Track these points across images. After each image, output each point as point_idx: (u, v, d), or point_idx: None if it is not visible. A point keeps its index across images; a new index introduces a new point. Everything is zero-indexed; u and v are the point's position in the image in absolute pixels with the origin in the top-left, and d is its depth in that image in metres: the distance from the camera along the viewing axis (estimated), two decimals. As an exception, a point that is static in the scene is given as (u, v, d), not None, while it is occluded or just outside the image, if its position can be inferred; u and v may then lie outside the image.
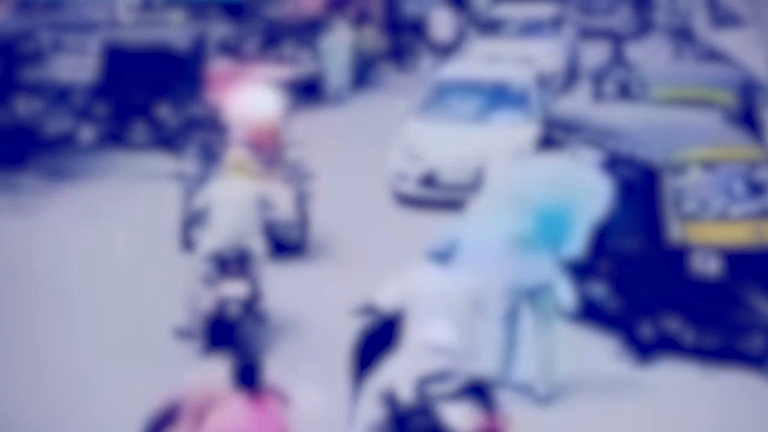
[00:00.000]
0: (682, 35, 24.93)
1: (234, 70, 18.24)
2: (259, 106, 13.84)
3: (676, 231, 10.87)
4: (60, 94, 18.73)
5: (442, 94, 17.65)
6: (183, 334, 11.03)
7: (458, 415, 7.96)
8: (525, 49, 22.90)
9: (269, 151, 13.43)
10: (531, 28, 25.36)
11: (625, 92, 16.73)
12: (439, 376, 8.04)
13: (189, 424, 7.25)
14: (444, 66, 20.20)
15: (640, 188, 11.22)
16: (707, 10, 24.57)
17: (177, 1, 24.05)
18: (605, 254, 11.30)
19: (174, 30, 20.82)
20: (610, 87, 18.69)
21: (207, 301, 10.69)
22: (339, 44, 24.16)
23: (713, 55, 21.07)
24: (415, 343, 8.12)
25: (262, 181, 11.74)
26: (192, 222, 11.70)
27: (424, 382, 8.02)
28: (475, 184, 13.86)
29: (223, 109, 16.03)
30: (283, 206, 12.69)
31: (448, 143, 16.54)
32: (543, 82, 19.24)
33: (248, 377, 7.15)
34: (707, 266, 10.74)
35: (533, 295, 10.07)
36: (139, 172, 17.85)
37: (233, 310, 10.65)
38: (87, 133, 18.40)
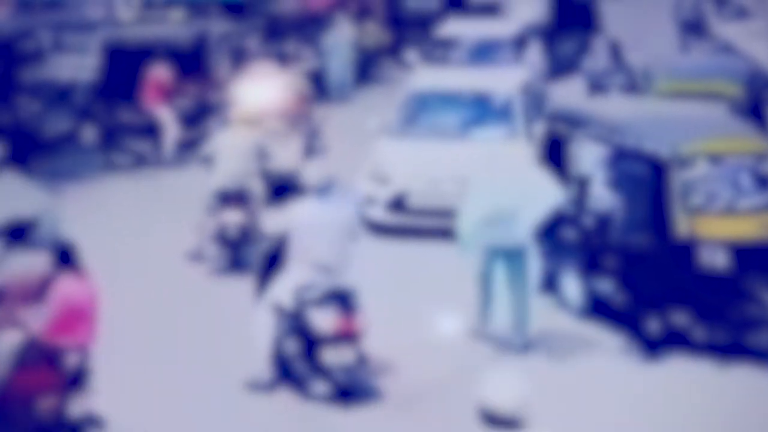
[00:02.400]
0: (690, 28, 24.72)
1: (171, 76, 18.08)
2: (292, 79, 17.19)
3: (683, 225, 10.78)
4: (60, 94, 18.66)
5: (415, 108, 15.85)
6: (194, 256, 13.47)
7: (321, 317, 9.79)
8: (476, 81, 16.88)
9: (295, 113, 16.33)
10: (486, 52, 20.61)
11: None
12: (310, 286, 9.88)
13: (14, 304, 9.13)
14: (416, 75, 17.77)
15: (646, 182, 11.13)
16: (714, 2, 24.44)
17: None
18: (612, 249, 11.22)
19: (175, 28, 20.73)
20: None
21: (210, 226, 13.23)
22: (341, 41, 24.08)
23: (720, 48, 20.92)
24: (298, 260, 9.97)
25: (279, 135, 14.92)
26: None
27: (298, 292, 9.89)
28: (450, 210, 12.49)
29: (157, 115, 16.82)
30: (291, 157, 15.33)
31: (420, 163, 14.84)
32: (530, 92, 16.55)
33: (67, 258, 9.07)
34: (715, 260, 10.65)
35: (507, 256, 11.00)
36: (141, 171, 17.83)
37: (231, 233, 13.10)
38: (88, 132, 18.33)
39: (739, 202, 11.00)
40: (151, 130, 18.00)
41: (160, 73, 18.10)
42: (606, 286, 11.42)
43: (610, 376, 10.61)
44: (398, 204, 14.62)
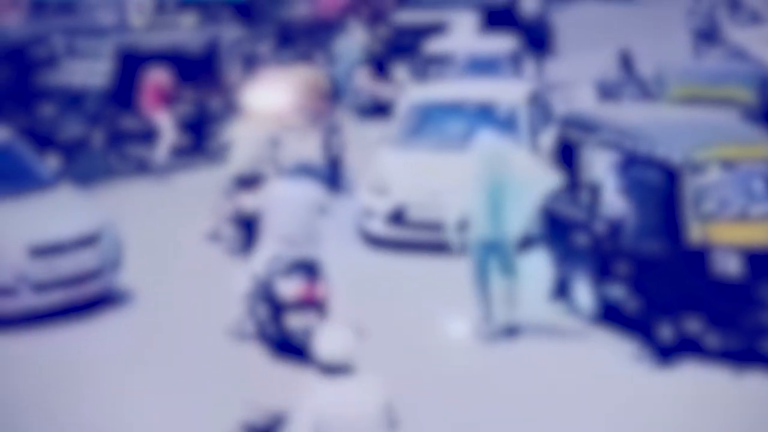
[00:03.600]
0: (703, 37, 24.58)
1: (171, 81, 18.07)
2: (311, 75, 17.78)
3: (695, 231, 10.74)
4: (73, 99, 18.67)
5: (418, 118, 15.38)
6: (212, 237, 14.39)
7: (287, 285, 10.88)
8: (481, 91, 16.35)
9: (316, 110, 17.00)
10: (483, 68, 19.24)
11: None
12: (278, 258, 10.98)
13: None
14: (420, 85, 17.55)
15: (658, 188, 11.09)
16: (728, 9, 24.33)
17: (189, 4, 23.98)
18: (624, 255, 11.18)
19: (188, 33, 20.77)
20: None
21: (227, 208, 14.12)
22: (353, 46, 24.05)
23: (733, 53, 20.82)
24: (270, 234, 11.15)
25: (297, 129, 15.96)
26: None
27: (269, 263, 11.02)
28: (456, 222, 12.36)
29: (155, 120, 16.94)
30: (308, 151, 15.97)
31: (421, 174, 14.34)
32: (537, 103, 15.88)
33: None
34: (728, 267, 10.60)
35: (497, 245, 11.47)
36: (147, 176, 17.84)
37: (247, 215, 13.41)
38: (98, 138, 18.36)
39: (752, 209, 10.95)
40: (151, 136, 18.01)
41: (158, 77, 18.05)
42: (618, 292, 11.38)
43: (622, 383, 10.56)
44: (397, 217, 14.18)
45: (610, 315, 11.56)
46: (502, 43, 20.48)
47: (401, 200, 14.15)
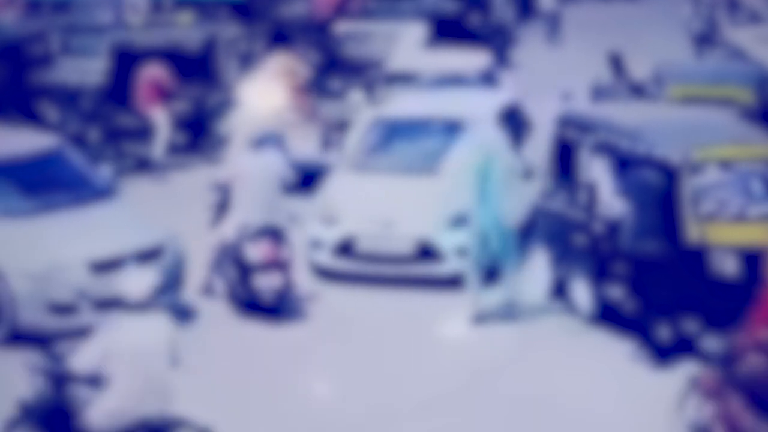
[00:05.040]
0: (703, 40, 24.47)
1: (166, 77, 17.99)
2: (287, 62, 17.57)
3: (694, 231, 10.71)
4: (69, 97, 18.62)
5: (376, 137, 14.01)
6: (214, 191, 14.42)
7: (254, 249, 11.97)
8: (447, 106, 14.63)
9: (306, 109, 17.10)
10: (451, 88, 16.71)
11: None
12: (247, 224, 12.10)
13: None
14: (381, 100, 15.98)
15: (656, 188, 11.05)
16: (727, 9, 24.27)
17: (186, 2, 23.91)
18: (622, 255, 11.15)
19: (185, 31, 20.70)
20: None
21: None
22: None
23: (732, 53, 20.77)
24: (239, 203, 12.28)
25: (295, 126, 15.67)
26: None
27: (238, 229, 12.13)
28: (410, 255, 12.55)
29: (150, 117, 16.85)
30: (310, 147, 15.83)
31: (375, 202, 13.10)
32: (512, 119, 14.28)
33: None
34: (726, 267, 10.59)
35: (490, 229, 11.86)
36: (151, 173, 17.80)
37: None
38: (93, 135, 18.29)
39: (750, 209, 10.93)
40: (147, 133, 17.91)
41: (155, 72, 17.97)
42: (616, 292, 11.35)
43: (620, 383, 10.54)
44: (346, 248, 12.93)
45: (607, 315, 11.54)
46: (473, 59, 18.17)
47: (351, 230, 12.91)
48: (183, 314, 11.95)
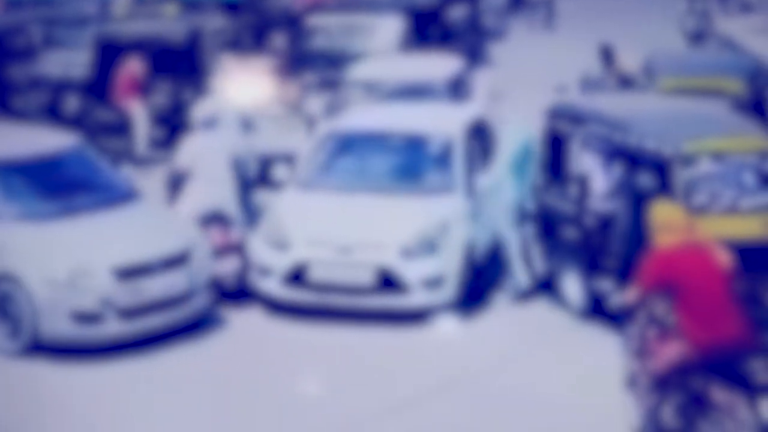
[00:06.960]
0: (699, 37, 24.36)
1: (144, 71, 17.83)
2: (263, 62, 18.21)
3: (686, 224, 10.58)
4: (53, 90, 18.47)
5: (331, 152, 12.87)
6: None
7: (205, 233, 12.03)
8: (410, 120, 13.57)
9: (290, 100, 17.38)
10: (413, 98, 15.60)
11: None
12: (194, 216, 12.18)
13: None
14: (339, 114, 14.72)
15: (648, 181, 10.95)
16: (719, 1, 24.20)
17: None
18: (613, 249, 11.05)
19: (169, 23, 20.53)
20: None
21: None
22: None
23: (723, 44, 20.68)
24: (192, 183, 12.48)
25: (280, 120, 15.68)
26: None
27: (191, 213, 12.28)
28: (370, 285, 11.43)
29: (128, 111, 16.71)
30: (295, 140, 14.86)
31: (329, 224, 11.88)
32: (480, 135, 13.25)
33: None
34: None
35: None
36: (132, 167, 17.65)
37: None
38: (77, 129, 18.14)
39: (742, 202, 10.84)
40: (126, 128, 17.73)
41: (132, 67, 17.81)
42: (607, 285, 11.26)
43: (611, 376, 10.43)
44: (297, 277, 11.71)
45: (599, 308, 11.44)
46: (440, 66, 16.72)
47: (303, 257, 11.68)
48: (210, 320, 11.66)
